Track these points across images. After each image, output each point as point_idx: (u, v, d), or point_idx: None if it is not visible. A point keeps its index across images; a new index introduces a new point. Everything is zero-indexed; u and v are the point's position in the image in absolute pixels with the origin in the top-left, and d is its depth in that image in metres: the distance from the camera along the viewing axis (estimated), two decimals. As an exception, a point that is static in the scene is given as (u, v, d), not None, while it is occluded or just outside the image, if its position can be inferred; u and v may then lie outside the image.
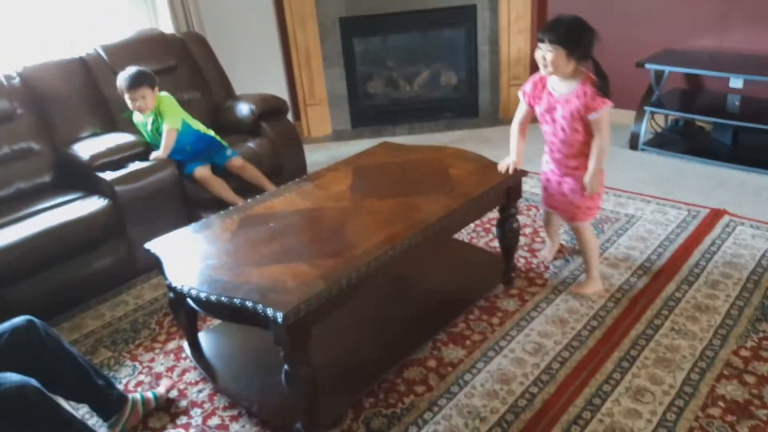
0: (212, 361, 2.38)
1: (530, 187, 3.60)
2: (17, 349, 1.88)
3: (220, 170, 3.31)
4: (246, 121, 3.64)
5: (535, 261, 2.92)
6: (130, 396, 2.14)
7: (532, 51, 3.06)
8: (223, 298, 1.82)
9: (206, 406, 2.23)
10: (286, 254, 2.03)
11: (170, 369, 2.44)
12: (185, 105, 3.45)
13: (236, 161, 3.35)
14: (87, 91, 3.36)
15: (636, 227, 3.13)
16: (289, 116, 4.01)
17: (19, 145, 3.10)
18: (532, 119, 2.58)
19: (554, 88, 2.42)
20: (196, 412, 2.21)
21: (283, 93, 4.79)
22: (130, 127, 3.37)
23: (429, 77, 5.14)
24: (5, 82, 3.14)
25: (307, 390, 1.88)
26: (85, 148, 3.07)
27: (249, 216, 2.33)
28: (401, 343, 2.36)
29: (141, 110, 3.23)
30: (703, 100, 4.11)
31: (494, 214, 2.73)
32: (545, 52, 2.29)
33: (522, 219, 3.20)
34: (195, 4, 4.07)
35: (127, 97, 3.20)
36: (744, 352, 2.23)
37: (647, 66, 3.90)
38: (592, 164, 2.43)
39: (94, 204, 2.88)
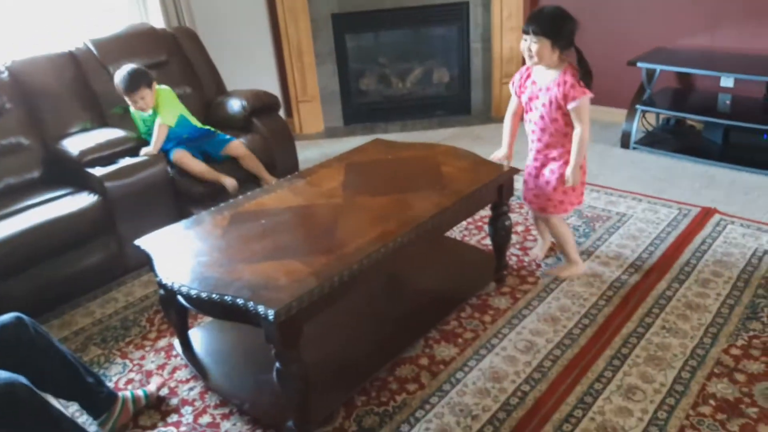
0: (203, 358, 2.36)
1: (522, 184, 3.60)
2: (6, 346, 1.86)
3: (216, 161, 3.30)
4: (237, 118, 3.62)
5: (526, 259, 2.92)
6: (120, 394, 2.13)
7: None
8: (214, 296, 1.81)
9: (197, 404, 2.22)
10: (277, 251, 2.02)
11: (161, 367, 2.42)
12: (176, 100, 3.43)
13: (237, 147, 3.35)
14: (77, 85, 3.33)
15: (627, 225, 3.14)
16: (281, 113, 3.99)
17: (8, 140, 3.06)
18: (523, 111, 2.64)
19: (537, 77, 2.49)
20: (187, 410, 2.19)
21: (274, 89, 4.77)
22: (121, 122, 3.35)
23: (421, 74, 5.14)
24: (-6, 77, 3.10)
25: (298, 388, 1.87)
26: (75, 144, 3.04)
27: (240, 212, 2.32)
28: (393, 341, 2.36)
29: (142, 110, 3.23)
30: (694, 99, 4.13)
31: (486, 212, 2.73)
32: (530, 43, 2.37)
33: (514, 217, 3.20)
34: (186, -1, 4.04)
35: (126, 99, 3.21)
36: (734, 351, 2.24)
37: (639, 64, 3.91)
38: (573, 156, 2.46)
39: (84, 200, 2.86)
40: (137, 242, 2.17)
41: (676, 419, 1.97)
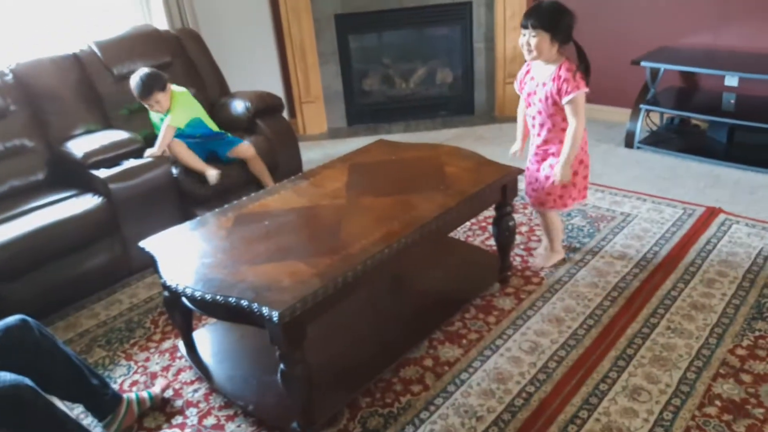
0: (207, 360, 2.36)
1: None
2: (11, 348, 1.87)
3: (222, 162, 3.31)
4: (241, 119, 3.62)
5: (531, 259, 2.91)
6: (125, 396, 2.13)
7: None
8: (218, 297, 1.81)
9: (202, 405, 2.22)
10: (281, 252, 2.02)
11: (165, 368, 2.42)
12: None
13: (246, 149, 3.37)
14: (81, 87, 3.34)
15: (632, 225, 3.13)
16: (285, 114, 3.99)
17: (13, 142, 3.07)
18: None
19: (536, 72, 2.52)
20: (191, 411, 2.19)
21: (278, 90, 4.77)
22: (125, 124, 3.36)
23: (425, 75, 5.13)
24: (-2, 79, 3.11)
25: (303, 389, 1.88)
26: (79, 146, 3.05)
27: (244, 214, 2.32)
28: (397, 342, 2.36)
29: (159, 112, 3.25)
30: (698, 98, 4.11)
31: (490, 213, 2.73)
32: (529, 38, 2.41)
33: (518, 217, 3.19)
34: (189, 0, 4.04)
35: (143, 104, 3.25)
36: (740, 351, 2.23)
37: (643, 64, 3.90)
38: (564, 151, 2.48)
39: (88, 202, 2.86)
40: (141, 244, 2.18)
41: (682, 420, 1.96)
